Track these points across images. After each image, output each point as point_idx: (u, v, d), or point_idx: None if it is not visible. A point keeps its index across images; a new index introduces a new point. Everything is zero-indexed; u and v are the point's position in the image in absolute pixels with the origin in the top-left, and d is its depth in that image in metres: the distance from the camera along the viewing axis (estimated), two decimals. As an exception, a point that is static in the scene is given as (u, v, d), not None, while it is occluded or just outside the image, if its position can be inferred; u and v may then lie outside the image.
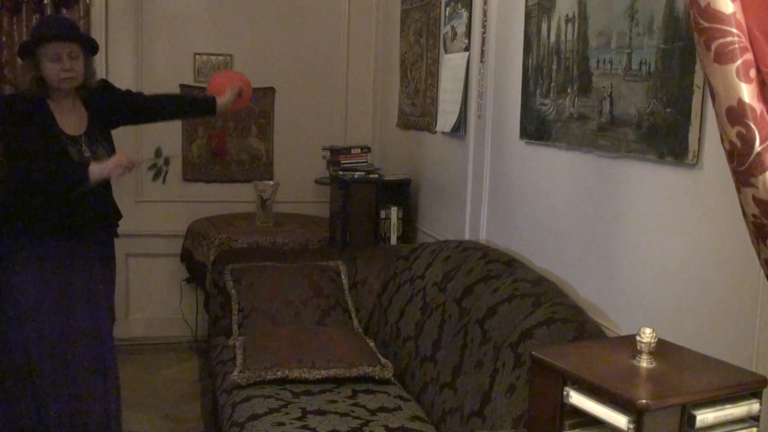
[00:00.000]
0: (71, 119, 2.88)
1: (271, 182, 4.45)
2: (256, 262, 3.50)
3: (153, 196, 4.44)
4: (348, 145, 4.40)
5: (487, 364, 2.35)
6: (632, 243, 2.19)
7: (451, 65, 3.53)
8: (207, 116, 3.74)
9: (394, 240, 3.96)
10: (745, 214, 1.20)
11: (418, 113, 4.04)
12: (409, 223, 4.05)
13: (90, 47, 2.92)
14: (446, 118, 3.56)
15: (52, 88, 2.82)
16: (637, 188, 2.16)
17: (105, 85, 3.07)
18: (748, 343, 1.73)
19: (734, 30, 1.14)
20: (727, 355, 1.57)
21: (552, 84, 2.59)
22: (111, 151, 2.96)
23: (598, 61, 2.29)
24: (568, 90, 2.47)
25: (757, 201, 1.15)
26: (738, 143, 1.15)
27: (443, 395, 2.55)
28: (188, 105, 3.43)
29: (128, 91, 3.12)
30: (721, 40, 1.15)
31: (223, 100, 3.24)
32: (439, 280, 2.93)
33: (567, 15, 2.48)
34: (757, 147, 1.13)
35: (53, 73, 2.77)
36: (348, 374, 2.80)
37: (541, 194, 2.74)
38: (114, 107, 3.03)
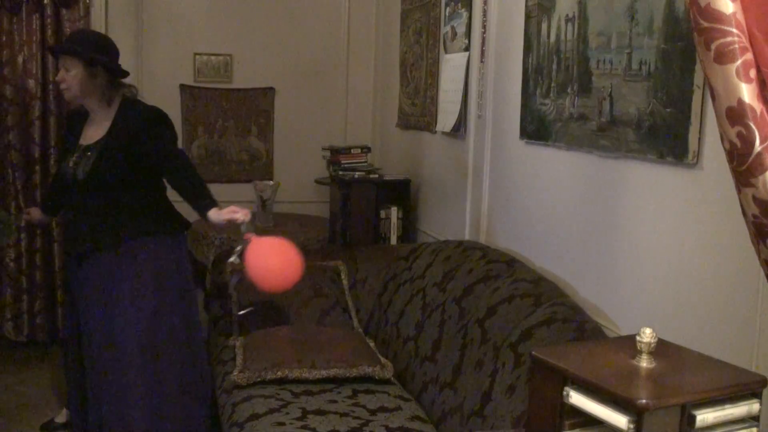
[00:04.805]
0: (93, 128, 2.92)
1: (271, 182, 4.44)
2: (256, 262, 3.49)
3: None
4: (348, 145, 4.40)
5: (487, 364, 2.35)
6: (632, 243, 2.19)
7: (451, 65, 3.53)
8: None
9: (394, 240, 3.96)
10: (745, 215, 1.20)
11: (418, 113, 4.03)
12: (409, 223, 4.04)
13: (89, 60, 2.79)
14: (446, 118, 3.56)
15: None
16: (637, 188, 2.16)
17: (154, 117, 2.86)
18: (748, 343, 1.73)
19: (734, 30, 1.14)
20: (727, 355, 1.56)
21: (552, 84, 2.59)
22: (110, 166, 2.78)
23: (598, 61, 2.29)
24: (568, 90, 2.47)
25: (757, 201, 1.15)
26: (738, 143, 1.15)
27: (443, 395, 2.55)
28: (190, 196, 2.77)
29: (161, 143, 2.81)
30: (721, 40, 1.15)
31: (220, 216, 2.63)
32: (439, 280, 2.93)
33: (567, 15, 2.48)
34: (757, 147, 1.13)
35: None
36: (348, 374, 2.79)
37: (541, 194, 2.74)
38: (134, 140, 2.80)
